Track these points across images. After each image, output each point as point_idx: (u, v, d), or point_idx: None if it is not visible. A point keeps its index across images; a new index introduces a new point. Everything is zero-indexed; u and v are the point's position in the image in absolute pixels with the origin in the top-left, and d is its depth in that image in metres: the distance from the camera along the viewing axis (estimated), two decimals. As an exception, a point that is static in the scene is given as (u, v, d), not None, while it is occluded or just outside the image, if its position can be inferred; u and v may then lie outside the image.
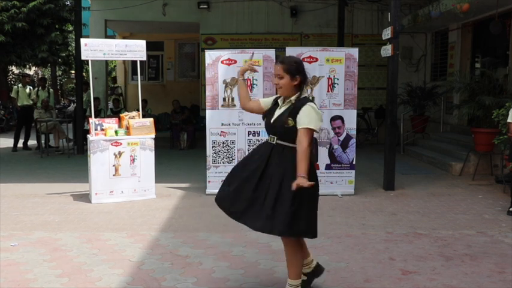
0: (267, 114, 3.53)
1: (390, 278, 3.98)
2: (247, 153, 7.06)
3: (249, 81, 6.95)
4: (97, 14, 13.77)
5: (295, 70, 3.36)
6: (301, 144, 3.21)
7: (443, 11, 9.85)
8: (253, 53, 6.84)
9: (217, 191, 3.62)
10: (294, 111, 3.32)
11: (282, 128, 3.35)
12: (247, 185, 3.39)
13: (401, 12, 8.74)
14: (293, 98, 3.38)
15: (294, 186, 3.16)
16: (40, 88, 12.16)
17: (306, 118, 3.27)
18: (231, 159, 7.02)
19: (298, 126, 3.27)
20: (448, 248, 4.71)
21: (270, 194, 3.30)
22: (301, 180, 3.14)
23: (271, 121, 3.45)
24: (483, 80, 8.76)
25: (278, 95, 3.56)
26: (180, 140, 12.38)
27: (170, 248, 4.68)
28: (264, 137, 6.10)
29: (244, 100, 3.73)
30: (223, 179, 3.63)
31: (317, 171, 7.32)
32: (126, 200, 6.61)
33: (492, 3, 8.67)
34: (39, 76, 25.06)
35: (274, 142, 3.39)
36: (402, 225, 5.50)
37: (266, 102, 3.65)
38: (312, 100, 3.63)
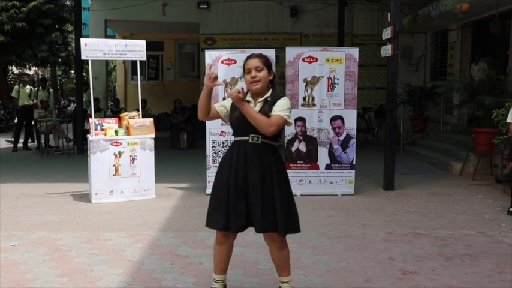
0: (237, 115, 3.23)
1: (390, 278, 3.98)
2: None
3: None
4: (97, 14, 13.78)
5: (270, 65, 3.32)
6: (269, 123, 3.14)
7: (443, 11, 9.85)
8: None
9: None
10: (272, 104, 3.22)
11: None
12: (237, 196, 3.23)
13: (401, 12, 8.74)
14: (268, 94, 3.28)
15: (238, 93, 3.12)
16: (40, 88, 12.17)
17: (280, 107, 3.20)
18: (231, 159, 6.99)
19: (272, 113, 3.18)
20: (448, 248, 4.71)
21: (265, 196, 3.21)
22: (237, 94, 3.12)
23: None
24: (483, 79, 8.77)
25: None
26: (180, 140, 12.38)
27: (170, 248, 4.68)
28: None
29: (203, 114, 3.35)
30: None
31: (317, 171, 7.25)
32: (126, 200, 6.61)
33: (492, 3, 8.67)
34: (39, 76, 25.05)
35: (260, 141, 3.23)
36: (402, 225, 5.50)
37: (223, 104, 3.40)
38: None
